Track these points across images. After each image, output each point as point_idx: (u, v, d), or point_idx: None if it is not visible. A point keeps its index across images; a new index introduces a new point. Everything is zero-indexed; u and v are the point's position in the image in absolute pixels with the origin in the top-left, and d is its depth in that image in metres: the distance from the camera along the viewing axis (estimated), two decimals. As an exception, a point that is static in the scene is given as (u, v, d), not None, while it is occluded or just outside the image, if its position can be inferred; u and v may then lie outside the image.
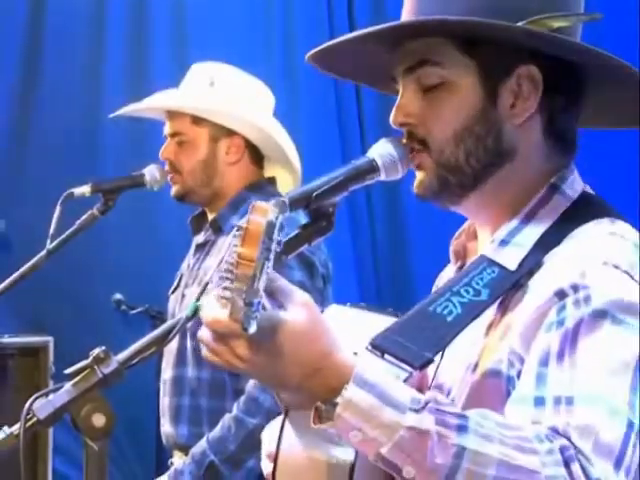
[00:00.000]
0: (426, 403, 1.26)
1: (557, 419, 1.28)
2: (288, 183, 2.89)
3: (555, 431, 1.27)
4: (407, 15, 1.53)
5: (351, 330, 1.49)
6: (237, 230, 1.23)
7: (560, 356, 1.32)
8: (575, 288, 1.36)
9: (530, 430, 1.27)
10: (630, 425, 1.30)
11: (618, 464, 1.28)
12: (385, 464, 1.27)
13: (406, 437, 1.25)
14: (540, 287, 1.40)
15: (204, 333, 1.31)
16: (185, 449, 2.74)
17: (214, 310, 1.26)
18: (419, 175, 1.52)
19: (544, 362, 1.33)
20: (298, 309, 1.29)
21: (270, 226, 1.22)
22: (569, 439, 1.26)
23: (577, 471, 1.24)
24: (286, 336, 1.27)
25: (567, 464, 1.25)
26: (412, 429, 1.24)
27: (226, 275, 1.22)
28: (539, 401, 1.30)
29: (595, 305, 1.34)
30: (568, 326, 1.33)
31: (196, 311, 1.48)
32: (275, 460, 1.40)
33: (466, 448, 1.24)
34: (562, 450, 1.25)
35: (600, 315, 1.33)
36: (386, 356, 1.38)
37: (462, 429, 1.25)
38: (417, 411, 1.25)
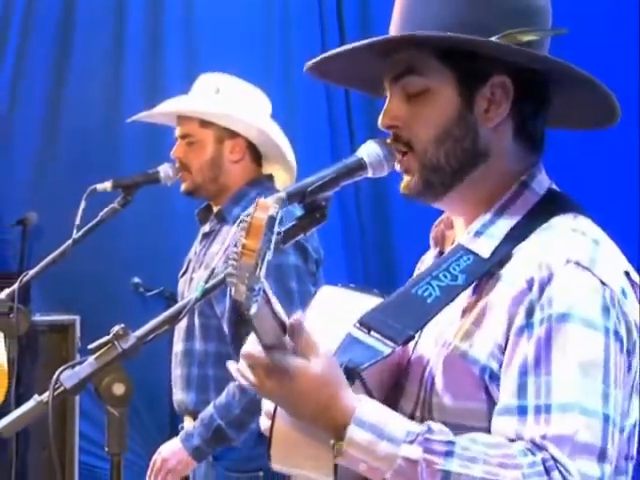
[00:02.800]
0: (417, 435, 1.30)
1: (536, 431, 1.30)
2: (285, 179, 2.89)
3: (534, 444, 1.29)
4: (394, 29, 1.52)
5: (342, 307, 1.49)
6: (242, 222, 1.23)
7: (537, 365, 1.33)
8: (542, 287, 1.36)
9: (515, 447, 1.29)
10: (606, 419, 1.31)
11: (602, 458, 1.30)
12: None
13: (403, 465, 1.29)
14: (512, 278, 1.40)
15: (241, 364, 1.38)
16: (194, 414, 2.73)
17: (250, 345, 1.34)
18: (406, 178, 1.51)
19: (523, 372, 1.33)
20: (320, 360, 1.33)
21: (271, 220, 1.23)
22: (547, 450, 1.28)
23: (557, 478, 1.26)
24: (306, 378, 1.32)
25: (548, 473, 1.27)
26: (406, 459, 1.29)
27: (232, 263, 1.22)
28: (522, 411, 1.32)
29: (559, 309, 1.34)
30: (540, 335, 1.34)
31: (203, 293, 1.47)
32: (273, 417, 1.39)
33: (451, 472, 1.27)
34: (544, 461, 1.28)
35: (564, 319, 1.34)
36: (372, 332, 1.38)
37: (448, 454, 1.28)
38: (410, 443, 1.29)
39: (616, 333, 1.35)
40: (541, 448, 1.28)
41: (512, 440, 1.31)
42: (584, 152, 5.12)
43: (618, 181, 5.49)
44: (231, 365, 1.41)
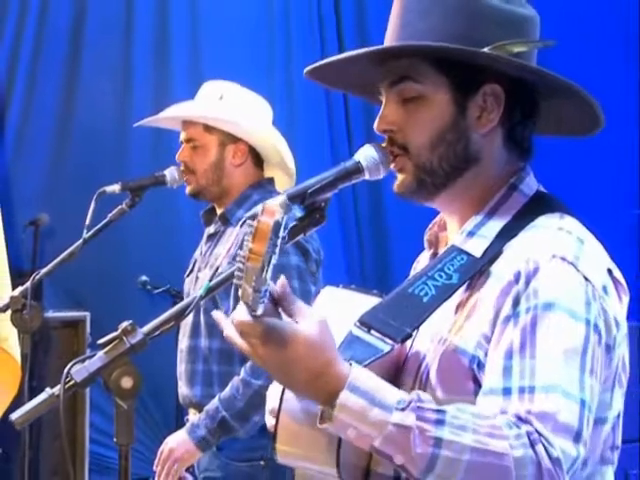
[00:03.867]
0: (409, 403, 1.28)
1: (521, 407, 1.29)
2: (285, 182, 2.89)
3: (519, 418, 1.29)
4: (391, 38, 1.52)
5: (343, 307, 1.49)
6: (247, 225, 1.23)
7: (522, 349, 1.33)
8: (528, 279, 1.36)
9: (500, 419, 1.28)
10: (583, 404, 1.31)
11: (577, 439, 1.30)
12: (379, 454, 1.29)
13: (393, 431, 1.27)
14: (501, 273, 1.40)
15: (230, 331, 1.32)
16: (199, 407, 2.73)
17: (241, 313, 1.29)
18: (400, 177, 1.51)
19: (509, 356, 1.34)
20: (313, 324, 1.30)
21: (277, 225, 1.23)
22: (531, 424, 1.28)
23: (541, 451, 1.26)
24: (299, 343, 1.29)
25: (533, 446, 1.26)
26: (397, 425, 1.27)
27: (239, 266, 1.23)
28: (507, 391, 1.32)
29: (544, 299, 1.35)
30: (526, 322, 1.34)
31: (207, 291, 1.48)
32: (277, 416, 1.39)
33: (442, 439, 1.26)
34: (528, 434, 1.27)
35: (549, 308, 1.34)
36: (372, 331, 1.38)
37: (440, 423, 1.27)
38: (402, 410, 1.27)
39: (595, 326, 1.36)
40: (525, 421, 1.28)
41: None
42: (573, 157, 5.14)
43: (607, 185, 5.51)
44: (219, 317, 1.36)
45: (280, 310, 1.34)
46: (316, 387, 1.31)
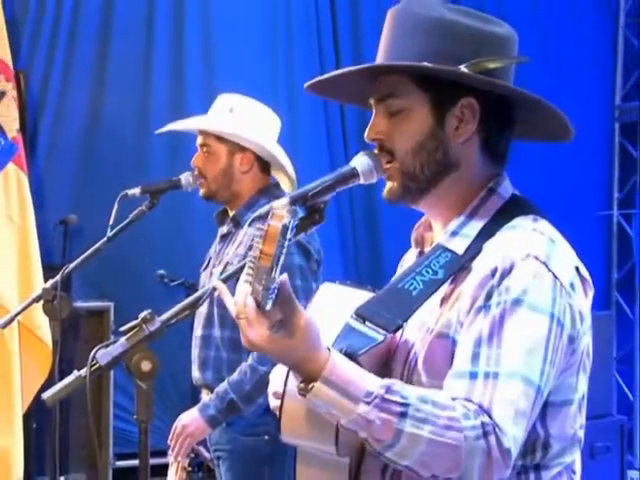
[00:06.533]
0: (375, 397, 1.29)
1: (485, 395, 1.30)
2: (286, 185, 2.89)
3: (481, 407, 1.29)
4: (380, 57, 1.53)
5: (340, 301, 1.49)
6: (259, 230, 1.24)
7: (490, 339, 1.34)
8: (502, 276, 1.37)
9: (459, 409, 1.29)
10: (538, 390, 1.33)
11: (528, 422, 1.32)
12: (345, 429, 1.32)
13: (358, 419, 1.29)
14: (480, 268, 1.41)
15: (232, 308, 1.32)
16: (210, 388, 2.74)
17: (249, 307, 1.29)
18: (388, 184, 1.52)
19: (478, 344, 1.34)
20: (306, 321, 1.32)
21: (284, 229, 1.24)
22: (490, 414, 1.29)
23: (492, 441, 1.27)
24: (298, 336, 1.31)
25: (486, 436, 1.27)
26: (361, 416, 1.29)
27: (250, 266, 1.23)
28: (473, 375, 1.32)
29: (514, 295, 1.35)
30: (495, 314, 1.35)
31: None
32: (282, 399, 1.39)
33: (403, 431, 1.28)
34: (483, 425, 1.28)
35: (517, 303, 1.35)
36: (367, 322, 1.39)
37: (403, 415, 1.28)
38: (368, 403, 1.29)
39: (559, 320, 1.36)
40: (484, 412, 1.29)
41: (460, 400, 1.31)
42: (545, 164, 5.15)
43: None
44: (222, 287, 1.37)
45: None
46: (302, 368, 1.33)
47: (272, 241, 1.22)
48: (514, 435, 1.29)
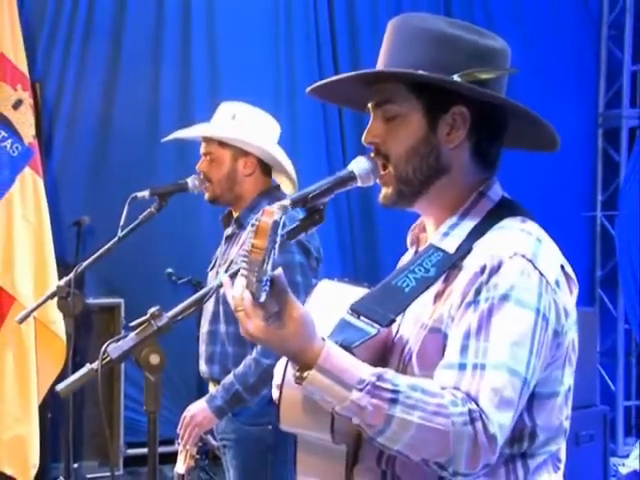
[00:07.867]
0: (367, 384, 1.29)
1: (473, 384, 1.30)
2: (288, 187, 2.89)
3: (468, 395, 1.29)
4: (380, 65, 1.53)
5: (337, 297, 1.49)
6: (252, 226, 1.24)
7: (478, 332, 1.34)
8: (491, 273, 1.37)
9: (448, 396, 1.29)
10: (524, 381, 1.32)
11: (515, 411, 1.32)
12: (339, 415, 1.32)
13: (351, 406, 1.29)
14: (471, 266, 1.40)
15: (232, 300, 1.32)
16: (217, 382, 2.73)
17: (246, 299, 1.29)
18: (383, 190, 1.52)
19: (467, 337, 1.34)
20: (301, 313, 1.32)
21: (275, 224, 1.24)
22: (477, 402, 1.28)
23: (479, 427, 1.27)
24: (292, 327, 1.31)
25: (473, 422, 1.27)
26: (354, 402, 1.29)
27: (244, 259, 1.23)
28: (462, 366, 1.32)
29: (502, 291, 1.35)
30: (484, 309, 1.35)
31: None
32: (280, 389, 1.39)
33: (394, 416, 1.28)
34: (470, 412, 1.28)
35: (505, 298, 1.35)
36: (361, 317, 1.39)
37: (393, 402, 1.28)
38: (360, 390, 1.29)
39: (544, 315, 1.36)
40: (472, 400, 1.29)
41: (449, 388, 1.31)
42: (533, 168, 5.15)
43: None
44: (226, 281, 1.36)
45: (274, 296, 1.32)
46: (297, 358, 1.33)
47: (263, 235, 1.22)
48: (499, 422, 1.29)
